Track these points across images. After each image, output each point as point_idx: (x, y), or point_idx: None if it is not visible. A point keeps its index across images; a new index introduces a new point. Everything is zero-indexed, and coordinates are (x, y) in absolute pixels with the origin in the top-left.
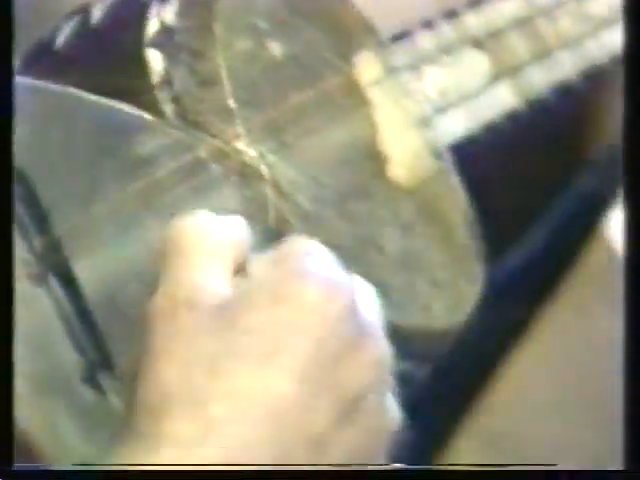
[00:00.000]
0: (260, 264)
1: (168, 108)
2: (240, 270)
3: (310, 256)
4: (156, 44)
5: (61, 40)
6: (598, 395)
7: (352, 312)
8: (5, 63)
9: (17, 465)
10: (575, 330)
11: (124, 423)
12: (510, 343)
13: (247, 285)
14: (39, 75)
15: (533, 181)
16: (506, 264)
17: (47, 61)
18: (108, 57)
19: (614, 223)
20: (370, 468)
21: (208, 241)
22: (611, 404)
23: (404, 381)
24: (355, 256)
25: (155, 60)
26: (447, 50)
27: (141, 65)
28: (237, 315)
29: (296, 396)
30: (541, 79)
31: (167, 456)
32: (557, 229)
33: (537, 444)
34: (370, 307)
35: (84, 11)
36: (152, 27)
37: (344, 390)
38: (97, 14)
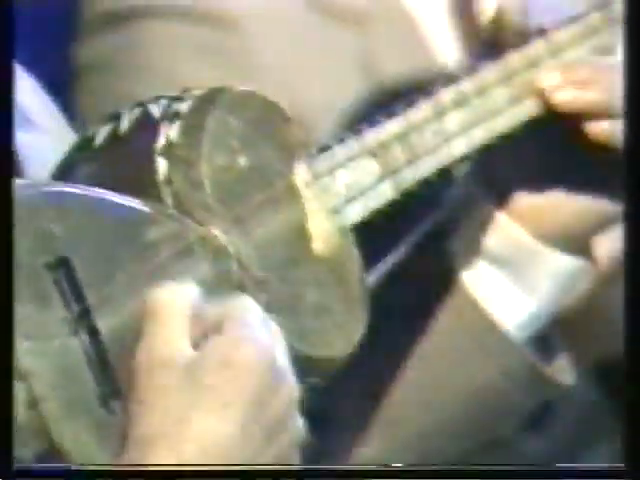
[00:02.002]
0: (213, 337)
1: (169, 200)
2: (199, 324)
3: (246, 326)
4: (162, 154)
5: (100, 140)
6: None
7: (274, 366)
8: (5, 67)
9: (17, 465)
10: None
11: (120, 455)
12: None
13: (203, 352)
14: (83, 170)
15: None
16: None
17: (88, 157)
18: (130, 159)
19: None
20: (370, 468)
21: (175, 309)
22: None
23: (313, 390)
24: (287, 308)
25: (162, 165)
26: (352, 158)
27: (152, 168)
28: (197, 377)
29: (237, 434)
30: (411, 177)
31: None
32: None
33: None
34: (282, 353)
35: (116, 118)
36: (161, 141)
37: (271, 420)
38: (125, 123)
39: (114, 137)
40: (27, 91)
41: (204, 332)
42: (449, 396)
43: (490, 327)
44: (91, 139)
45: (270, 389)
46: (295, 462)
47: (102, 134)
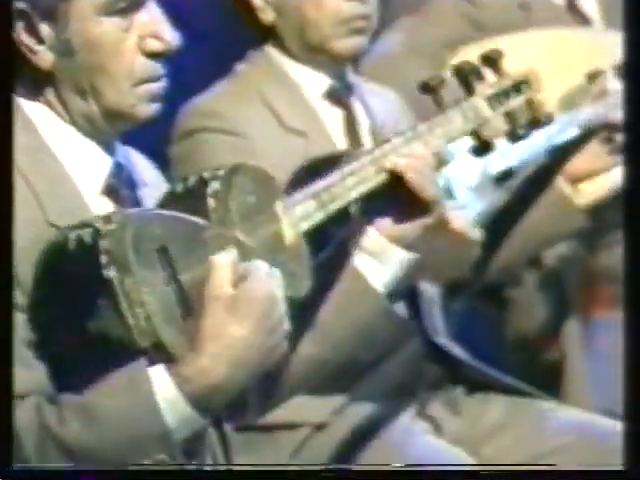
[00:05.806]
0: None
1: (215, 220)
2: (235, 273)
3: (261, 280)
4: (212, 196)
5: (178, 190)
6: None
7: (274, 304)
8: (5, 72)
9: (17, 465)
10: None
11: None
12: None
13: (237, 293)
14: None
15: None
16: None
17: (171, 200)
18: (195, 201)
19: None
20: (370, 468)
21: (224, 265)
22: None
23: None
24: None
25: (211, 202)
26: (301, 201)
27: (206, 204)
28: (232, 308)
29: (251, 336)
30: (332, 208)
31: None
32: None
33: None
34: (280, 293)
35: (185, 180)
36: (211, 190)
37: (270, 328)
38: (191, 181)
39: (185, 189)
40: (142, 167)
41: (237, 278)
42: (348, 332)
43: (369, 288)
44: (173, 190)
45: (270, 315)
46: (284, 349)
47: (178, 187)
